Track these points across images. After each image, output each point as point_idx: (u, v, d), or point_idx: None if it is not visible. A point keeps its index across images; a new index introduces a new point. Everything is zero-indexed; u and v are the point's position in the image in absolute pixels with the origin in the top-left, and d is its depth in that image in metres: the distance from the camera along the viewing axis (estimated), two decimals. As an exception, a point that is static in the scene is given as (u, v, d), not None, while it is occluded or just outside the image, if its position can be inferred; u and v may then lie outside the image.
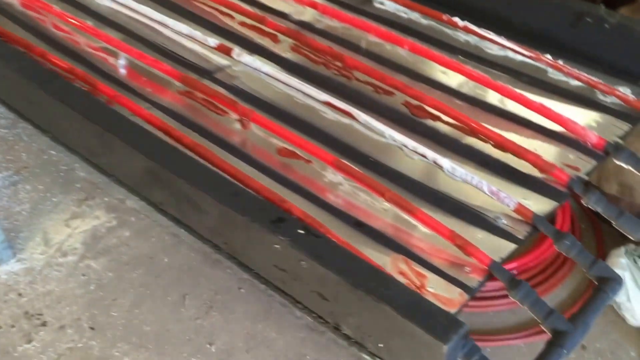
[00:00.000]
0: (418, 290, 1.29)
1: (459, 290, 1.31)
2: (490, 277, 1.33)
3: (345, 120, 1.70)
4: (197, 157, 1.51)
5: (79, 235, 2.66)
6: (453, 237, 1.37)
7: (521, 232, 1.44)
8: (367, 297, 1.12)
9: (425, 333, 1.06)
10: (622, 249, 2.34)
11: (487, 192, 1.48)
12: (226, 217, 1.31)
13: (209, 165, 1.50)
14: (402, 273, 1.33)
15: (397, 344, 1.17)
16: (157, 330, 2.33)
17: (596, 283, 1.34)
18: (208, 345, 2.28)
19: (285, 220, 1.25)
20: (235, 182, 1.44)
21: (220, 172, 1.47)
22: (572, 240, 1.38)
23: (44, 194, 2.81)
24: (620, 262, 2.28)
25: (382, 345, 1.20)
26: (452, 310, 1.26)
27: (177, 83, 1.78)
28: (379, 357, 1.23)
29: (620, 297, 2.27)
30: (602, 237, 2.60)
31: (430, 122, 1.73)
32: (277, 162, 1.60)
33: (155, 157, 1.43)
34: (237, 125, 1.68)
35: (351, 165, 1.51)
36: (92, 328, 2.34)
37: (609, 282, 1.32)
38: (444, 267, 1.36)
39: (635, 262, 2.29)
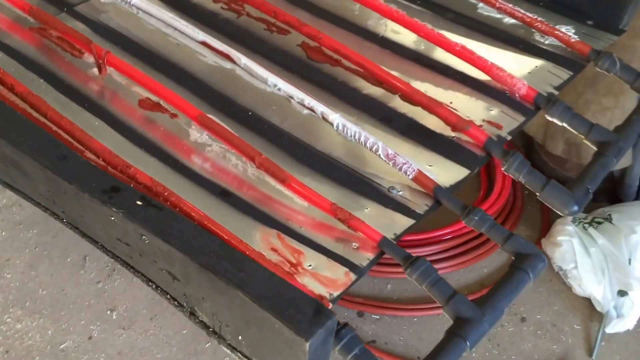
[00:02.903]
0: (293, 269, 1.05)
1: (344, 269, 1.07)
2: (382, 254, 1.09)
3: (227, 65, 1.40)
4: (31, 110, 1.24)
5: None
6: (335, 211, 1.11)
7: (420, 205, 1.17)
8: (217, 280, 0.90)
9: (285, 326, 0.84)
10: (570, 217, 2.07)
11: (382, 156, 1.21)
12: (54, 184, 1.07)
13: (47, 121, 1.22)
14: (274, 250, 1.08)
15: (256, 337, 0.95)
16: (54, 294, 2.06)
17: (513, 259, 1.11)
18: (109, 312, 2.03)
19: (120, 190, 1.02)
20: (74, 141, 1.18)
21: (56, 129, 1.20)
22: (480, 215, 1.13)
23: None
24: (567, 230, 2.02)
25: (241, 338, 0.99)
26: (336, 292, 1.03)
27: (29, 18, 1.47)
28: (239, 352, 1.01)
29: (567, 265, 2.02)
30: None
31: (328, 68, 1.44)
32: (139, 116, 1.32)
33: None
34: (95, 71, 1.38)
35: (218, 123, 1.22)
36: (-20, 291, 2.09)
37: (528, 259, 1.08)
38: (328, 243, 1.11)
39: (584, 229, 2.04)
